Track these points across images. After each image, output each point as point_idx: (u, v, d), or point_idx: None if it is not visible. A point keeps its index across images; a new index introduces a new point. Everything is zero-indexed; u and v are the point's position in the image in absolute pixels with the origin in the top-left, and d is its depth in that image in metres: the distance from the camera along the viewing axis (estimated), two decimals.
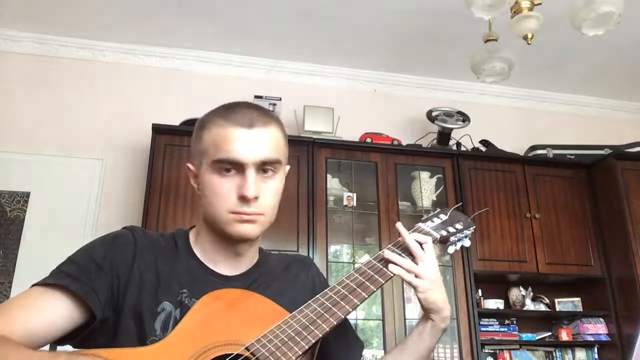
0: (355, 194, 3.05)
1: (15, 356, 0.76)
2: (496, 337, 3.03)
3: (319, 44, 3.35)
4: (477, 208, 3.01)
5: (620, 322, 3.04)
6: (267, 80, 3.48)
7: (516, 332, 3.08)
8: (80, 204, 3.02)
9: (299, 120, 3.22)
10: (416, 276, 0.99)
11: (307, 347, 0.86)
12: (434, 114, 3.30)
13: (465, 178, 3.15)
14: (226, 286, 0.96)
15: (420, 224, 1.10)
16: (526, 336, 3.11)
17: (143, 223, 2.66)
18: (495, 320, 3.07)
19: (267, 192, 0.95)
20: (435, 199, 3.15)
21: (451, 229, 1.12)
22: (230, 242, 0.98)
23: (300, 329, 0.88)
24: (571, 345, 3.15)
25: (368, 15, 3.05)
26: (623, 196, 3.12)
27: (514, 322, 3.11)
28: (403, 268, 0.99)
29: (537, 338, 3.13)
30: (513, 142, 3.55)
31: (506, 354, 3.04)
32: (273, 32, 3.23)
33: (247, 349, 0.84)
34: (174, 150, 2.83)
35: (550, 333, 3.18)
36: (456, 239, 1.13)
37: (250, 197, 0.92)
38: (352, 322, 2.75)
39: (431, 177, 3.20)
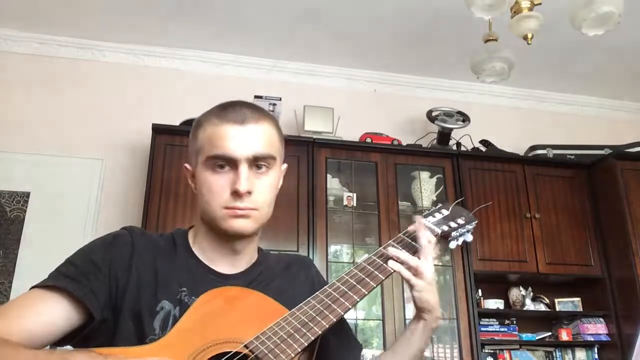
0: (355, 194, 3.05)
1: (13, 356, 0.76)
2: (496, 337, 3.03)
3: (319, 44, 3.35)
4: (476, 208, 3.01)
5: (620, 322, 3.04)
6: (267, 80, 3.48)
7: (516, 332, 3.08)
8: (80, 204, 3.02)
9: (299, 120, 3.22)
10: (415, 274, 0.99)
11: (306, 344, 0.86)
12: (434, 114, 3.30)
13: (465, 178, 3.15)
14: (226, 284, 0.96)
15: (422, 220, 1.10)
16: (526, 336, 3.11)
17: (143, 223, 2.66)
18: (495, 320, 3.07)
19: (261, 188, 0.96)
20: (435, 199, 3.15)
21: (453, 224, 1.11)
22: (227, 239, 0.99)
23: (300, 326, 0.88)
24: (571, 345, 3.15)
25: (368, 15, 3.05)
26: (623, 196, 3.12)
27: (514, 322, 3.11)
28: (406, 264, 0.99)
29: (537, 338, 3.13)
30: (513, 142, 3.55)
31: (506, 354, 3.04)
32: (273, 32, 3.23)
33: (246, 346, 0.84)
34: (174, 150, 2.83)
35: (550, 333, 3.18)
36: (458, 234, 1.12)
37: (243, 192, 0.93)
38: (352, 322, 2.78)
39: (431, 177, 3.20)
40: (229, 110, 0.98)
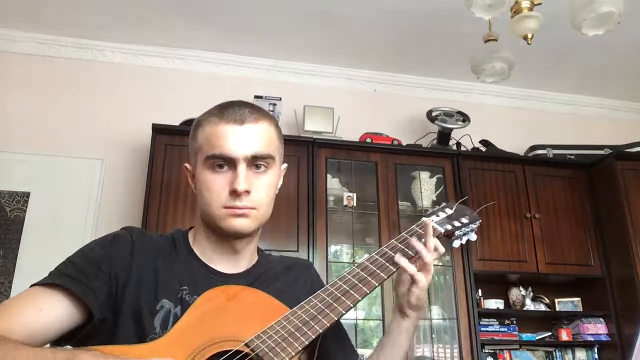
0: (355, 194, 3.05)
1: (15, 353, 0.76)
2: (496, 337, 3.03)
3: (319, 44, 3.35)
4: (477, 207, 3.00)
5: (620, 322, 3.04)
6: (267, 80, 3.48)
7: (516, 332, 3.08)
8: (80, 204, 3.02)
9: (299, 120, 3.22)
10: (420, 270, 0.99)
11: (307, 343, 0.86)
12: (434, 114, 3.30)
13: (465, 178, 3.15)
14: (227, 284, 0.96)
15: (424, 219, 1.09)
16: (526, 336, 3.11)
17: (143, 223, 2.66)
18: (495, 320, 3.07)
19: (260, 187, 0.97)
20: (435, 199, 3.15)
21: (456, 223, 1.10)
22: (227, 239, 0.99)
23: (301, 325, 0.88)
24: (571, 345, 3.15)
25: (368, 15, 3.05)
26: (623, 196, 3.12)
27: (514, 322, 3.11)
28: (414, 259, 0.99)
29: (537, 338, 3.13)
30: (513, 142, 3.55)
31: (506, 354, 3.04)
32: (273, 32, 3.23)
33: (246, 345, 0.85)
34: (174, 150, 2.82)
35: (550, 333, 3.18)
36: (461, 233, 1.11)
37: (241, 191, 0.93)
38: (351, 322, 2.78)
39: (431, 177, 3.20)
40: (228, 110, 0.98)
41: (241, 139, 0.95)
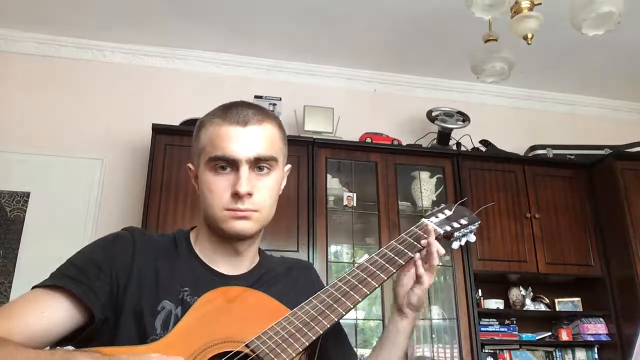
0: (355, 194, 3.05)
1: (15, 355, 0.76)
2: (496, 337, 3.03)
3: (319, 44, 3.35)
4: (477, 208, 3.00)
5: (620, 322, 3.04)
6: (267, 80, 3.48)
7: (516, 332, 3.08)
8: (80, 204, 3.02)
9: (299, 120, 3.22)
10: (427, 270, 1.00)
11: (307, 344, 0.86)
12: (434, 114, 3.30)
13: (465, 178, 3.15)
14: (228, 285, 0.96)
15: (424, 220, 1.09)
16: (526, 336, 3.11)
17: (143, 223, 2.66)
18: (495, 320, 3.07)
19: (262, 189, 0.96)
20: (435, 199, 3.15)
21: (456, 225, 1.10)
22: (229, 241, 0.99)
23: (301, 326, 0.88)
24: (571, 345, 3.15)
25: (368, 15, 3.05)
26: (623, 196, 3.12)
27: (514, 322, 3.11)
28: (424, 257, 1.01)
29: (537, 338, 3.13)
30: (513, 142, 3.55)
31: (506, 354, 3.04)
32: (273, 32, 3.23)
33: (247, 345, 0.84)
34: (174, 150, 2.82)
35: (550, 333, 3.18)
36: (461, 234, 1.11)
37: (243, 193, 0.93)
38: (351, 322, 2.78)
39: (431, 177, 3.20)
40: (232, 111, 0.97)
41: (244, 140, 0.94)
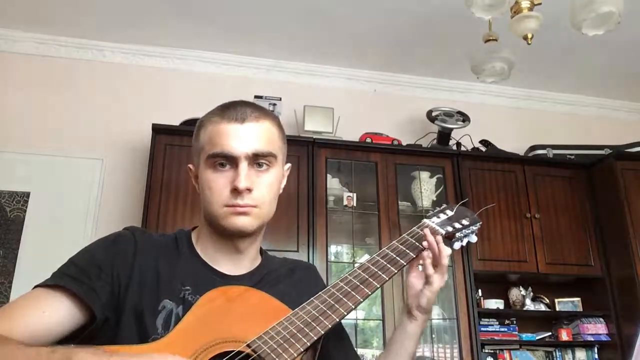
0: (355, 194, 3.05)
1: (17, 353, 0.76)
2: (496, 337, 3.03)
3: (319, 44, 3.35)
4: (477, 208, 3.00)
5: (620, 322, 3.04)
6: (267, 80, 3.48)
7: (516, 332, 3.08)
8: (80, 204, 3.02)
9: (299, 120, 3.22)
10: (435, 270, 1.00)
11: (309, 344, 0.86)
12: (434, 114, 3.30)
13: (465, 178, 3.15)
14: (230, 285, 0.96)
15: (425, 220, 1.09)
16: (526, 336, 3.11)
17: (143, 223, 2.66)
18: (495, 320, 3.07)
19: (261, 185, 0.97)
20: (435, 199, 3.15)
21: (457, 225, 1.10)
22: (230, 238, 0.99)
23: (303, 326, 0.88)
24: (571, 345, 3.15)
25: (368, 15, 3.05)
26: (623, 196, 3.12)
27: (514, 322, 3.11)
28: (430, 256, 1.01)
29: (537, 338, 3.13)
30: (513, 142, 3.55)
31: (506, 354, 3.04)
32: (273, 32, 3.23)
33: (248, 345, 0.84)
34: (174, 150, 2.82)
35: (550, 333, 3.18)
36: (462, 235, 1.11)
37: (242, 189, 0.93)
38: (352, 322, 2.78)
39: (431, 177, 3.20)
40: (230, 110, 0.98)
41: (242, 137, 0.95)
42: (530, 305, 3.17)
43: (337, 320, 0.90)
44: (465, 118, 3.32)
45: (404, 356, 1.03)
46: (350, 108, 3.45)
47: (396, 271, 0.98)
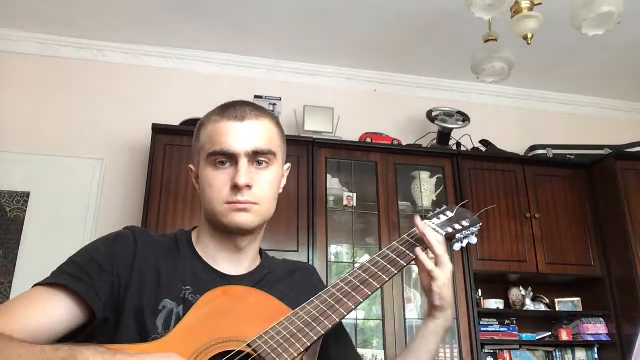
0: (355, 194, 3.05)
1: (19, 351, 0.76)
2: (496, 337, 3.03)
3: (319, 44, 3.35)
4: (477, 208, 3.00)
5: (620, 322, 3.04)
6: (267, 80, 3.48)
7: (516, 332, 3.08)
8: (80, 204, 3.02)
9: (299, 120, 3.22)
10: (437, 265, 1.00)
11: (309, 344, 0.86)
12: (434, 114, 3.30)
13: (465, 178, 3.15)
14: (230, 285, 0.96)
15: (426, 221, 1.09)
16: (526, 336, 3.11)
17: (143, 223, 2.66)
18: (495, 320, 3.07)
19: (261, 183, 0.97)
20: (435, 199, 3.15)
21: (457, 226, 1.10)
22: (231, 236, 0.99)
23: (303, 326, 0.88)
24: (571, 345, 3.15)
25: (368, 15, 3.05)
26: (623, 196, 3.12)
27: (514, 322, 3.11)
28: (430, 253, 1.01)
29: (537, 338, 3.13)
30: (513, 142, 3.55)
31: (506, 354, 3.04)
32: (273, 32, 3.23)
33: (249, 345, 0.84)
34: (174, 150, 2.82)
35: (550, 333, 3.18)
36: (462, 236, 1.11)
37: (242, 185, 0.93)
38: (352, 322, 2.78)
39: (431, 177, 3.20)
40: (230, 109, 0.99)
41: (242, 135, 0.96)
42: (530, 305, 3.17)
43: (338, 320, 0.90)
44: (465, 118, 3.32)
45: (424, 351, 1.03)
46: (350, 108, 3.45)
47: (396, 272, 0.98)
